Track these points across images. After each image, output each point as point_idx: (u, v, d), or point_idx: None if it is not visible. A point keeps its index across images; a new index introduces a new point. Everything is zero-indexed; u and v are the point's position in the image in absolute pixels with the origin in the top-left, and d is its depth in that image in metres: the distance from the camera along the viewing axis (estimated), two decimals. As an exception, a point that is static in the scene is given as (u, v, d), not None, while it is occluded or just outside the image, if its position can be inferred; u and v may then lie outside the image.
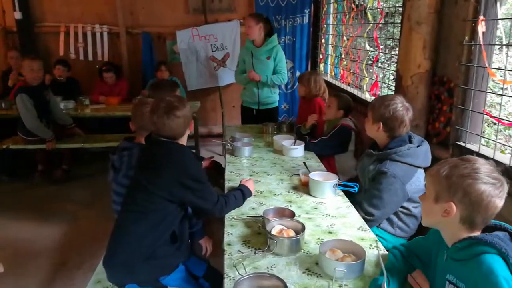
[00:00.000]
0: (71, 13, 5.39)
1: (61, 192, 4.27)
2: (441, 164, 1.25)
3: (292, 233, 1.71)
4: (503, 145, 2.23)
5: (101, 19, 5.45)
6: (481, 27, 2.02)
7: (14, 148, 4.09)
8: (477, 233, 1.20)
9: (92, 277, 1.98)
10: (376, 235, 2.10)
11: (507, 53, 2.06)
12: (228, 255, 1.65)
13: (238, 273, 1.48)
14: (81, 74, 5.36)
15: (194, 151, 4.96)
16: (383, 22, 3.36)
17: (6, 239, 3.33)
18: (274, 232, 1.72)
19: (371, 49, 3.72)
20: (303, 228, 1.72)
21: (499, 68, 2.12)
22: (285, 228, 1.75)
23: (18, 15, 5.14)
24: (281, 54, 3.91)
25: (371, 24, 3.54)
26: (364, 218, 2.07)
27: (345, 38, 4.31)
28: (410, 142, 2.10)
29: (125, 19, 5.46)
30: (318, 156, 3.05)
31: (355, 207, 2.12)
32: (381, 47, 3.82)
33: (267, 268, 1.56)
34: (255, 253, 1.63)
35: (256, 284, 1.38)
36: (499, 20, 2.08)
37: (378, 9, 3.59)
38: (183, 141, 1.94)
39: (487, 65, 2.02)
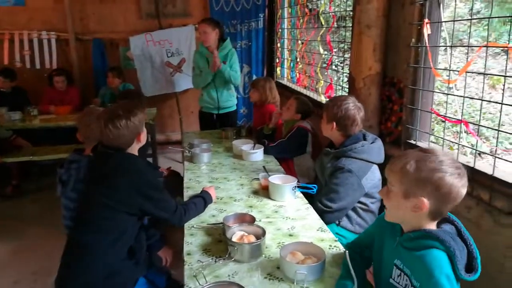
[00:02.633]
0: (16, 19, 5.11)
1: (9, 208, 4.04)
2: (402, 158, 1.21)
3: (253, 239, 1.69)
4: (451, 142, 2.33)
5: (49, 25, 5.20)
6: (426, 30, 2.10)
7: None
8: (433, 224, 1.24)
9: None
10: (336, 233, 2.15)
11: (451, 54, 2.16)
12: (188, 265, 1.61)
13: (199, 283, 1.45)
14: (29, 83, 5.08)
15: (151, 159, 4.85)
16: (335, 26, 3.44)
17: None
18: (235, 238, 1.70)
19: (325, 52, 3.79)
20: (263, 233, 1.71)
21: (443, 69, 2.22)
22: (246, 234, 1.73)
23: (-44, 22, 4.82)
24: (235, 56, 3.91)
25: (324, 28, 3.62)
26: (322, 211, 2.12)
27: (299, 42, 4.38)
28: (365, 139, 2.16)
29: (74, 25, 5.24)
30: (277, 159, 3.07)
31: (313, 206, 2.16)
32: (335, 50, 3.91)
33: (228, 276, 1.53)
34: (215, 261, 1.60)
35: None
36: (443, 23, 2.18)
37: (330, 14, 3.68)
38: (133, 151, 1.87)
39: (432, 66, 2.11)
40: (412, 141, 2.39)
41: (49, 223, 3.54)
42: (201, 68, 3.85)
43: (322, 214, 2.12)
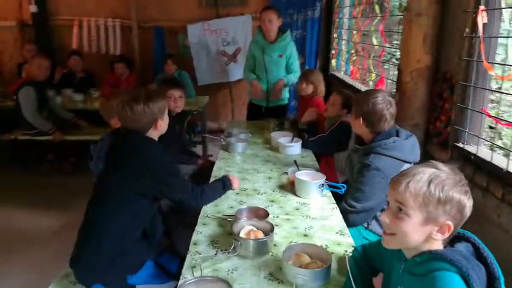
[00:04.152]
0: (85, 6, 5.45)
1: (67, 183, 4.31)
2: (414, 178, 1.04)
3: (260, 235, 1.62)
4: (500, 148, 2.01)
5: (114, 13, 5.48)
6: (481, 18, 1.84)
7: (22, 139, 4.17)
8: (440, 244, 1.07)
9: (64, 271, 1.94)
10: (364, 237, 1.99)
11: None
12: (191, 255, 1.58)
13: (193, 275, 1.40)
14: (94, 67, 5.40)
15: (202, 147, 4.91)
16: (389, 15, 3.19)
17: (5, 226, 3.39)
18: (243, 233, 1.63)
19: (378, 43, 3.54)
20: (271, 229, 1.62)
21: (497, 63, 1.93)
22: (255, 229, 1.66)
23: (33, 8, 5.24)
24: (295, 52, 3.77)
25: (378, 17, 3.37)
26: (346, 211, 1.99)
27: (354, 32, 4.14)
28: (397, 136, 1.96)
29: (137, 13, 5.46)
30: (317, 154, 2.93)
31: (339, 207, 2.02)
32: (391, 41, 3.63)
33: (228, 270, 1.47)
34: (215, 254, 1.55)
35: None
36: (503, 10, 1.89)
37: (385, 1, 3.41)
38: (152, 136, 1.86)
39: (483, 59, 1.85)
40: (460, 144, 2.13)
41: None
42: (255, 58, 3.77)
43: (346, 214, 1.98)
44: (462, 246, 1.06)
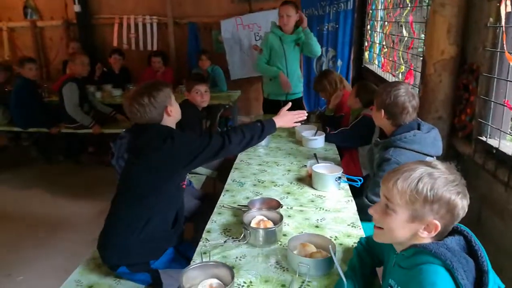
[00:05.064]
0: (125, 5, 5.68)
1: (107, 174, 4.54)
2: (404, 175, 1.04)
3: (270, 225, 1.67)
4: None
5: (151, 10, 5.67)
6: (505, 7, 1.77)
7: (66, 132, 4.45)
8: (428, 238, 1.07)
9: (91, 254, 2.08)
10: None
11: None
12: (203, 241, 1.66)
13: (201, 260, 1.48)
14: (133, 63, 5.64)
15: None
16: (418, 5, 3.10)
17: (46, 213, 3.68)
18: (253, 222, 1.69)
19: (407, 35, 3.45)
20: (280, 220, 1.67)
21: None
22: (265, 219, 1.71)
23: (77, 8, 5.54)
24: None
25: (408, 8, 3.29)
26: (366, 205, 1.99)
27: (386, 23, 4.05)
28: (419, 129, 1.94)
29: (173, 10, 5.62)
30: (341, 148, 2.93)
31: (356, 200, 2.03)
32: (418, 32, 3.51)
33: (236, 257, 1.55)
34: (225, 242, 1.62)
35: (206, 272, 1.37)
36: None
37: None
38: (169, 124, 1.90)
39: (506, 49, 1.77)
40: (483, 138, 2.06)
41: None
42: (273, 49, 3.78)
43: (366, 209, 1.98)
44: (453, 239, 1.06)
